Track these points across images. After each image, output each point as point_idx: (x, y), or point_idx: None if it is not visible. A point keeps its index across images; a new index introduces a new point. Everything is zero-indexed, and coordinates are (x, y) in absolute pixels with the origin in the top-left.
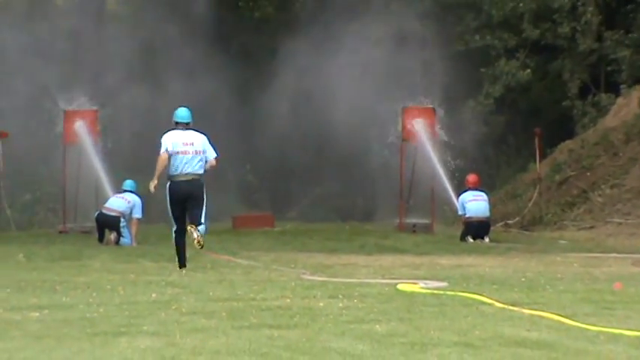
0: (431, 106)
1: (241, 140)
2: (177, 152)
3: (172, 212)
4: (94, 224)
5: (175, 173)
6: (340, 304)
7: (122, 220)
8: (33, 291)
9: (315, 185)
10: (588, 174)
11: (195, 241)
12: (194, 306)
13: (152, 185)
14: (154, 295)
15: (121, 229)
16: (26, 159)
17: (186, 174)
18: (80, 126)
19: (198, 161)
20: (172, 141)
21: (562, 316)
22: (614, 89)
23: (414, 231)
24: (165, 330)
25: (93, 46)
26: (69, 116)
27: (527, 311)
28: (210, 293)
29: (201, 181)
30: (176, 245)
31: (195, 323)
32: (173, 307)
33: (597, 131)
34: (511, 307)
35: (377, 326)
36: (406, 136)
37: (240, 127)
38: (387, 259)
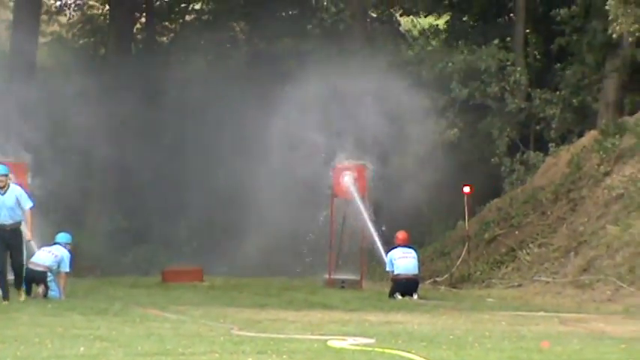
0: (362, 162)
1: (172, 195)
2: None
3: None
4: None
5: None
6: None
7: (49, 274)
8: None
9: (245, 240)
10: (517, 232)
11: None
12: None
13: None
14: (82, 348)
15: (49, 283)
16: None
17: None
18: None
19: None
20: None
21: None
22: (543, 147)
23: (343, 287)
24: None
25: (22, 98)
26: None
27: None
28: (139, 347)
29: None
30: None
31: None
32: None
33: (526, 190)
34: None
35: None
36: (337, 193)
37: (171, 182)
38: (316, 315)
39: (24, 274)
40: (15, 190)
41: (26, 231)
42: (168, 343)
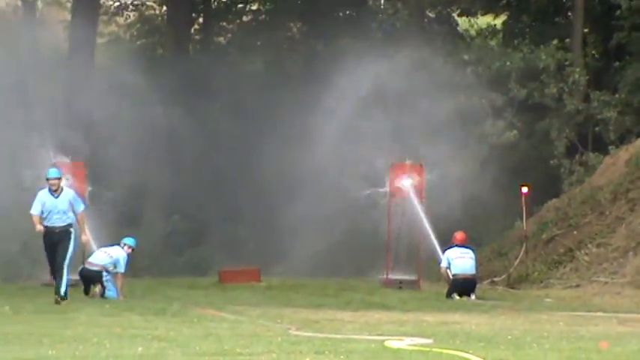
0: (419, 163)
1: (229, 195)
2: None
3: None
4: (78, 278)
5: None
6: None
7: (105, 273)
8: (19, 343)
9: (302, 240)
10: (575, 232)
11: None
12: None
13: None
14: (140, 349)
15: (106, 283)
16: (12, 210)
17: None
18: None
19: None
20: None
21: None
22: (601, 148)
23: (401, 287)
24: None
25: (81, 98)
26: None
27: None
28: (197, 348)
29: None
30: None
31: None
32: None
33: (584, 190)
34: None
35: None
36: (394, 193)
37: (228, 183)
38: (373, 316)
39: (78, 275)
40: (68, 194)
41: (84, 236)
42: (226, 343)
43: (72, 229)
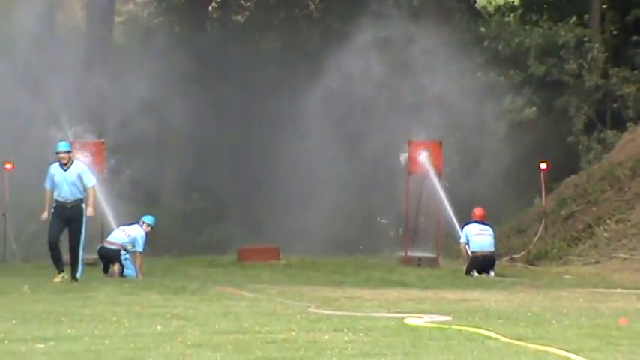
0: (437, 139)
1: (248, 173)
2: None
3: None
4: (97, 256)
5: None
6: (345, 338)
7: (123, 252)
8: (38, 322)
9: (321, 218)
10: (594, 209)
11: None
12: (199, 338)
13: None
14: (159, 327)
15: (124, 261)
16: (31, 190)
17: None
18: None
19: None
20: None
21: (568, 351)
22: (619, 125)
23: (420, 265)
24: None
25: (99, 78)
26: (75, 148)
27: (532, 346)
28: (216, 326)
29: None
30: None
31: (200, 356)
32: (178, 340)
33: (603, 166)
34: (517, 342)
35: None
36: (412, 169)
37: (245, 161)
38: (393, 293)
39: (97, 254)
40: (78, 167)
41: (90, 209)
42: (245, 321)
43: (84, 205)
